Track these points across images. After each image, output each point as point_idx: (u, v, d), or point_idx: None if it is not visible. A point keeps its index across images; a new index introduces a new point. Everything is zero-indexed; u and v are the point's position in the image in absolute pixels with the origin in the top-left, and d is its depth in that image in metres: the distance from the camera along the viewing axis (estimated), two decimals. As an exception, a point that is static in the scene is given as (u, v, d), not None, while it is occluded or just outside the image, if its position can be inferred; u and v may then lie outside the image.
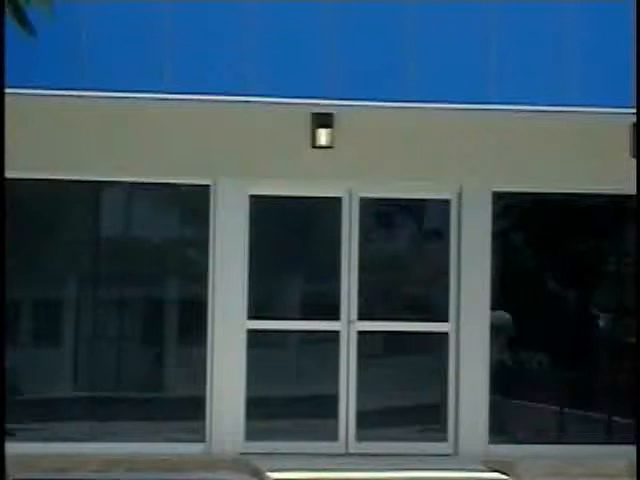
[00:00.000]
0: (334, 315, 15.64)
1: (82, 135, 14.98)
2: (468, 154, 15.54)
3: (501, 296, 15.94)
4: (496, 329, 16.01)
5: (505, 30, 14.45)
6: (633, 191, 15.61)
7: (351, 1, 14.13)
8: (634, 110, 14.75)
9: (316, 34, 14.19)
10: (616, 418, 16.11)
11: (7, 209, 15.38)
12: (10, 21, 10.01)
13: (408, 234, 16.66)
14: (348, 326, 15.64)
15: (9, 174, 14.63)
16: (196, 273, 15.53)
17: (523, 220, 16.57)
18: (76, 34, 13.33)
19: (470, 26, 14.38)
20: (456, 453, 15.60)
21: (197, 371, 15.39)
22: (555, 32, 14.50)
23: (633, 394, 15.92)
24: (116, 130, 15.05)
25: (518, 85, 14.43)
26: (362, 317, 15.66)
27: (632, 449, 15.14)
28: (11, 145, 14.46)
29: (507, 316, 16.20)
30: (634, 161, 15.48)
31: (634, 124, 15.36)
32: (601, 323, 16.60)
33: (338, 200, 15.69)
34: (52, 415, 15.26)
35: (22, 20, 9.77)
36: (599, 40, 14.51)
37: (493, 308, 15.88)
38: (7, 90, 13.56)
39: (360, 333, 15.66)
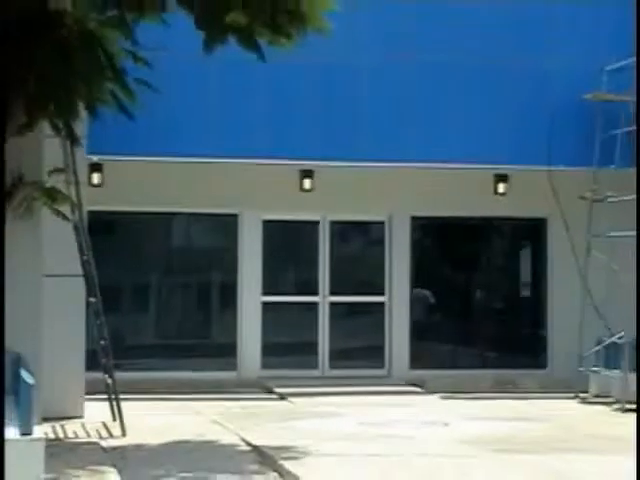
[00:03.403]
0: (315, 292, 15.70)
1: (159, 182, 14.90)
2: (396, 191, 15.56)
3: (416, 280, 15.95)
4: (420, 300, 16.05)
5: (419, 109, 14.59)
6: (496, 214, 15.92)
7: (322, 96, 14.35)
8: (497, 165, 15.07)
9: (301, 120, 14.37)
10: (487, 353, 16.12)
11: (115, 229, 15.42)
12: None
13: (359, 242, 16.72)
14: (323, 299, 15.72)
15: (119, 207, 14.77)
16: (231, 268, 15.49)
17: (430, 233, 16.57)
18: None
19: (395, 111, 14.51)
20: (389, 375, 15.65)
21: (232, 327, 15.42)
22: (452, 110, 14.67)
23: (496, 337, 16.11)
24: (180, 179, 14.96)
25: (428, 149, 14.57)
26: (332, 293, 15.71)
27: (497, 372, 15.49)
28: (121, 189, 14.53)
29: (428, 293, 16.18)
30: (496, 196, 15.74)
31: (495, 175, 15.60)
32: (478, 295, 16.72)
33: (317, 222, 15.76)
34: (141, 354, 15.20)
35: (127, 112, 9.85)
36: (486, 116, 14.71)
37: (414, 288, 15.84)
38: (111, 157, 13.76)
39: (331, 303, 15.71)
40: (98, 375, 11.71)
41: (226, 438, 10.87)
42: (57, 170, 10.77)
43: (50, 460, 7.28)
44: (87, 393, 12.11)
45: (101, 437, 10.87)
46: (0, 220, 8.42)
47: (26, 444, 6.81)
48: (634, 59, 13.88)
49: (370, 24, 14.41)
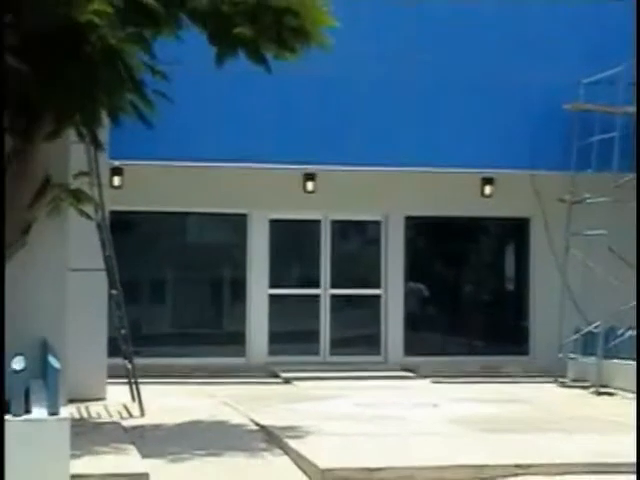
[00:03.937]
0: (317, 285, 15.67)
1: (175, 184, 14.84)
2: (391, 193, 15.50)
3: (410, 275, 15.90)
4: (413, 293, 15.99)
5: (411, 120, 14.54)
6: (483, 214, 15.84)
7: (324, 106, 14.31)
8: (484, 169, 15.03)
9: (305, 128, 14.33)
10: (475, 341, 16.09)
11: (134, 227, 15.39)
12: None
13: (358, 240, 16.68)
14: (325, 292, 15.68)
15: (138, 207, 14.72)
16: (240, 263, 15.46)
17: (423, 232, 16.47)
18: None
19: (391, 120, 14.50)
20: (385, 362, 15.59)
21: (241, 317, 15.40)
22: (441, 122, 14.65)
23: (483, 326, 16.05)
24: (194, 181, 14.90)
25: (422, 154, 14.49)
26: (333, 286, 15.67)
27: (483, 358, 15.44)
28: (139, 191, 14.42)
29: (421, 286, 16.13)
30: (483, 198, 15.68)
31: (482, 178, 15.55)
32: (466, 289, 16.67)
33: (319, 222, 15.72)
34: (159, 342, 15.12)
35: (146, 121, 9.82)
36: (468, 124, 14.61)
37: (408, 282, 15.78)
38: (130, 162, 13.68)
39: (332, 296, 15.67)
40: (119, 361, 11.78)
41: (236, 419, 10.87)
42: (82, 173, 10.72)
43: (75, 438, 7.30)
44: (109, 377, 12.15)
45: (122, 417, 10.90)
46: (0, 221, 8.36)
47: (53, 423, 6.87)
48: (607, 73, 13.94)
49: (366, 36, 14.34)
